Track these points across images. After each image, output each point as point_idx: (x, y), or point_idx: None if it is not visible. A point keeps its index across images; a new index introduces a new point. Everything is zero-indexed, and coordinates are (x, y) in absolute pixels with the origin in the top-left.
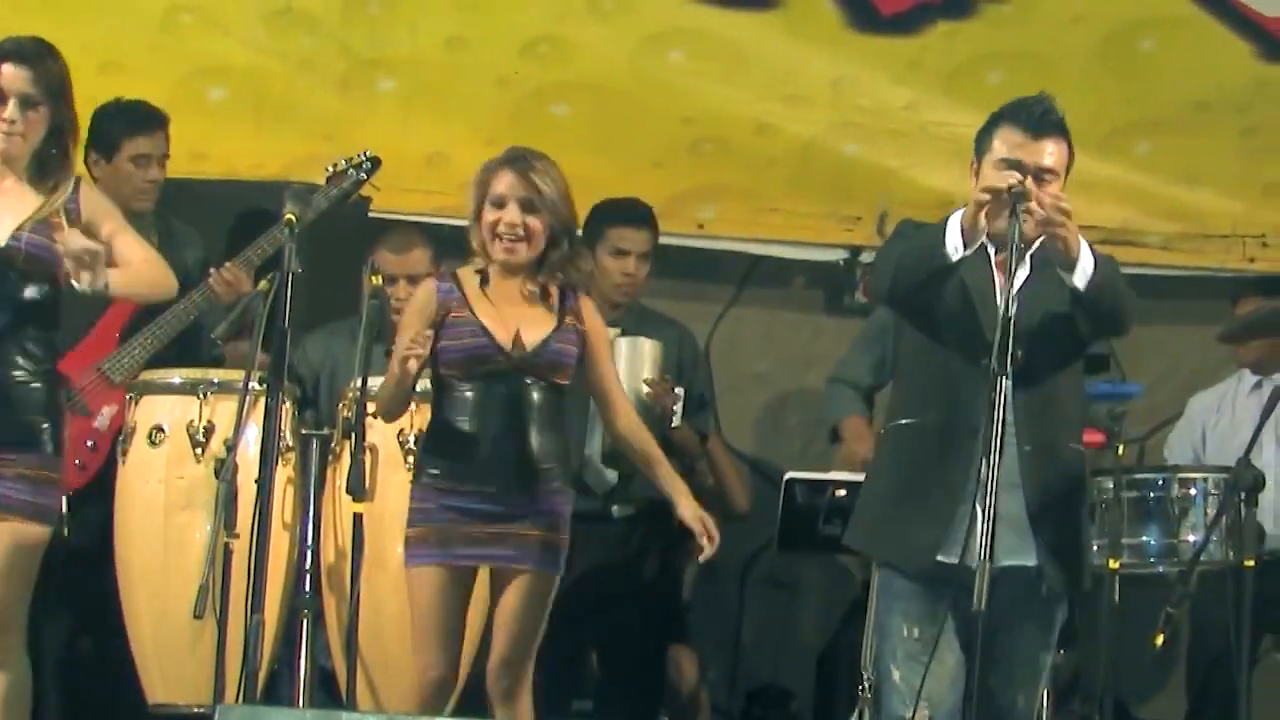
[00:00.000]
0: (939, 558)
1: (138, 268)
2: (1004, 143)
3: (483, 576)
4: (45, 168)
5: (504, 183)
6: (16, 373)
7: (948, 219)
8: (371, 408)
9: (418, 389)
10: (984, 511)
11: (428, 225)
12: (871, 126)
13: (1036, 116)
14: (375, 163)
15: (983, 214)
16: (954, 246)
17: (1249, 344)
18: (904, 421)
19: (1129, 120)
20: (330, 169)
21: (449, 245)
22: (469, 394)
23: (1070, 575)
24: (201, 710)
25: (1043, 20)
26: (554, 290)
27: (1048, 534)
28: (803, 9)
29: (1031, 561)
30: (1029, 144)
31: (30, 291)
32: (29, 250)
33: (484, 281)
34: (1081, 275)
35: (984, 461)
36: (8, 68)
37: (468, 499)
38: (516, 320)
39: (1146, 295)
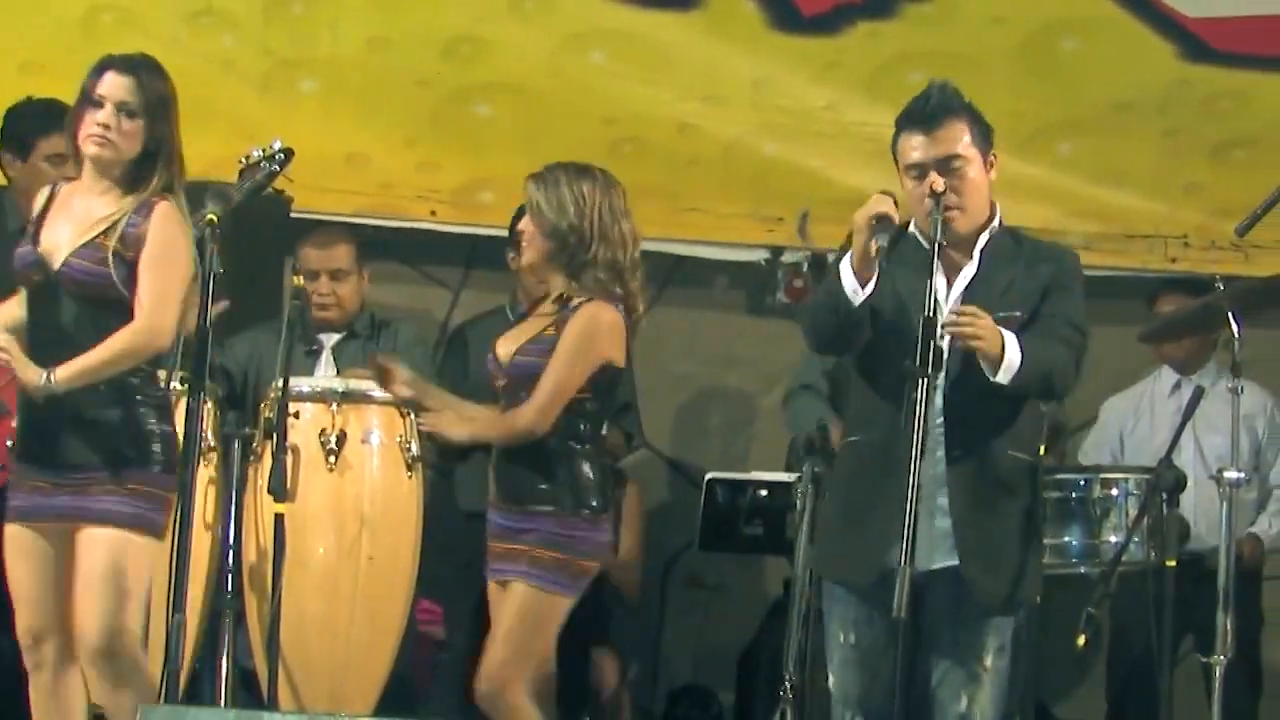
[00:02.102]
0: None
1: (114, 345)
2: (905, 148)
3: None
4: (133, 184)
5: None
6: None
7: (839, 265)
8: (293, 407)
9: (341, 390)
10: (906, 517)
11: (348, 225)
12: (793, 127)
13: (924, 112)
14: (288, 153)
15: (871, 246)
16: (852, 290)
17: (1176, 343)
18: (852, 439)
19: (1050, 120)
20: (243, 161)
21: (370, 245)
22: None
23: (997, 582)
24: None
25: (964, 21)
26: (556, 298)
27: (969, 540)
28: (724, 9)
29: (955, 562)
30: (925, 141)
31: (84, 312)
32: (75, 275)
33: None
34: (1006, 373)
35: (910, 465)
36: (110, 75)
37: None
38: (517, 335)
39: None
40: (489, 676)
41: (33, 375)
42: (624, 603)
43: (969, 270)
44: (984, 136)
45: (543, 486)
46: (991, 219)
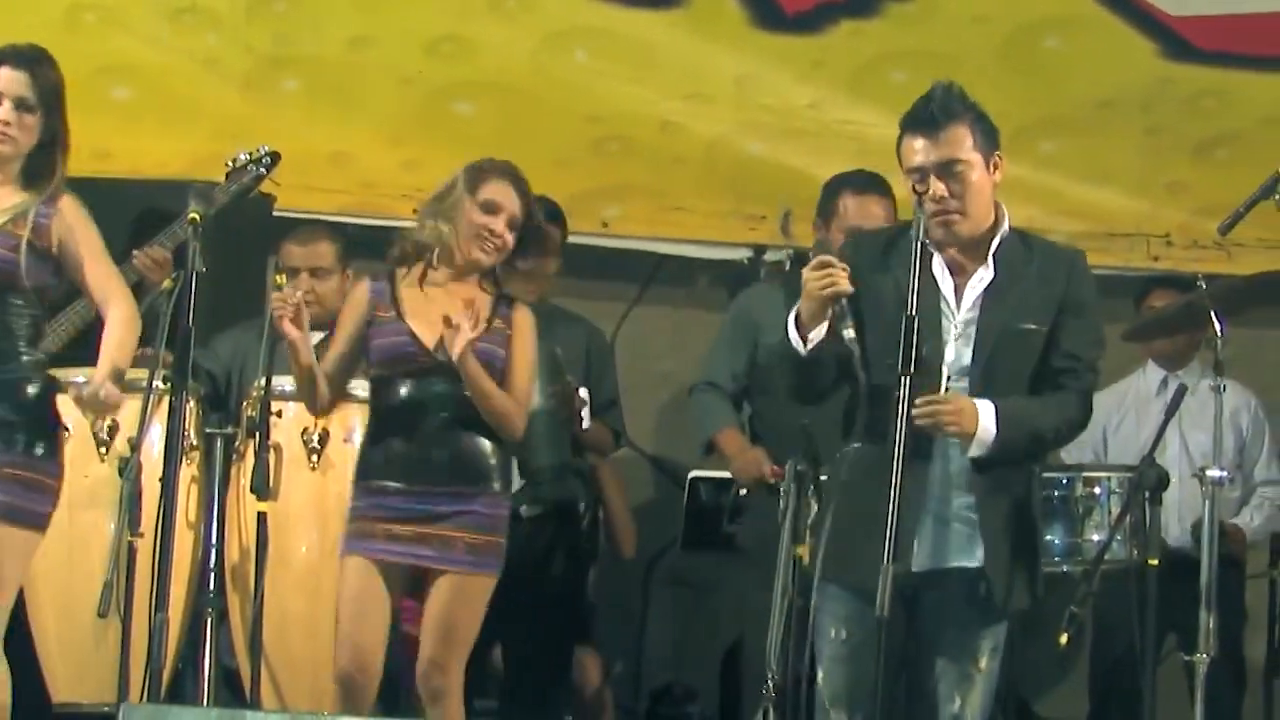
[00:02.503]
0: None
1: (119, 335)
2: (906, 151)
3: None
4: (32, 176)
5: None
6: None
7: (787, 319)
8: (276, 406)
9: (359, 395)
10: (890, 516)
11: (332, 225)
12: (776, 125)
13: (926, 115)
14: (275, 157)
15: (823, 308)
16: (797, 342)
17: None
18: (855, 445)
19: (1033, 119)
20: (230, 164)
21: (353, 244)
22: (402, 392)
23: (1017, 585)
24: (106, 709)
25: (946, 19)
26: (492, 293)
27: (995, 543)
28: (707, 8)
29: (976, 564)
30: (927, 144)
31: None
32: None
33: (424, 280)
34: (978, 447)
35: (893, 465)
36: (5, 70)
37: (398, 497)
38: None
39: None
40: (441, 667)
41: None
42: (622, 559)
43: (983, 274)
44: (988, 138)
45: (479, 469)
46: (1000, 222)
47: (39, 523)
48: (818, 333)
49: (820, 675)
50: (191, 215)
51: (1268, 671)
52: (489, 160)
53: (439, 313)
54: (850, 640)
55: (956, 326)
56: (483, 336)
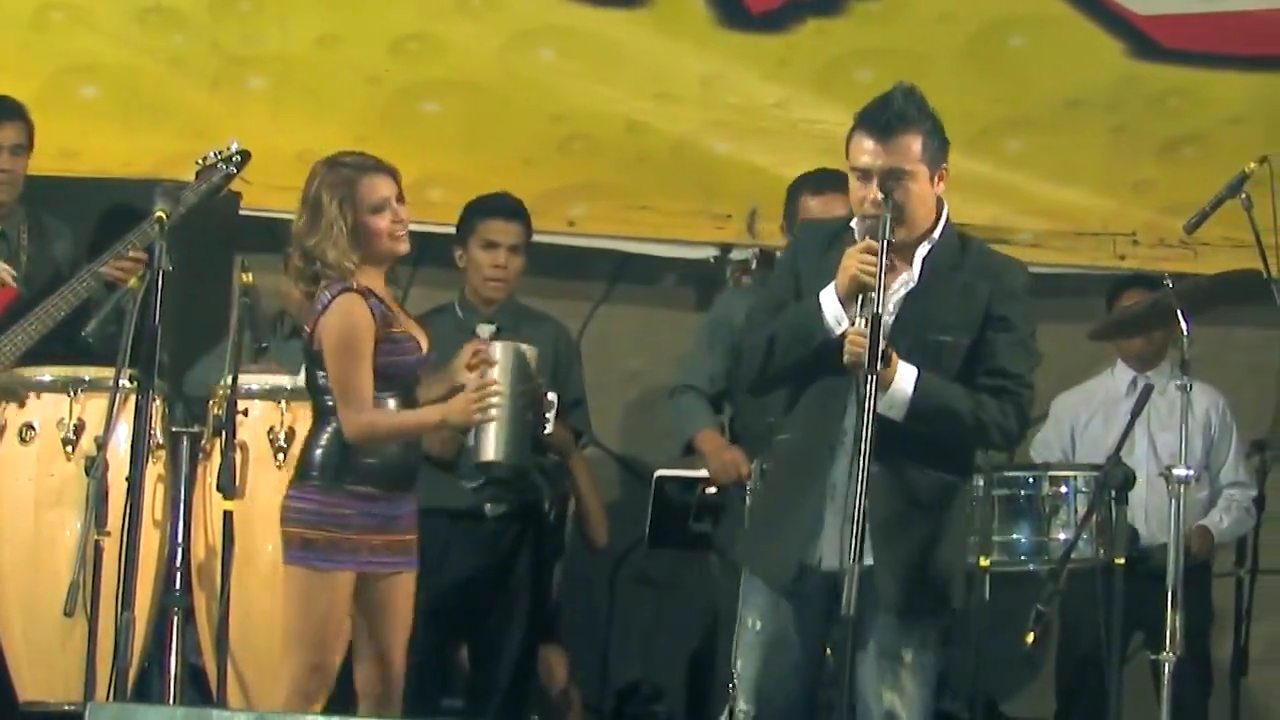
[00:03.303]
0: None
1: None
2: (856, 149)
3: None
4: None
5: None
6: None
7: (818, 298)
8: (242, 405)
9: (290, 387)
10: (855, 515)
11: None
12: (742, 124)
13: (884, 119)
14: (244, 156)
15: (857, 292)
16: (836, 319)
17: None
18: (781, 438)
19: (999, 118)
20: (199, 163)
21: None
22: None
23: (905, 591)
24: (72, 708)
25: (913, 18)
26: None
27: (881, 548)
28: (673, 7)
29: (869, 562)
30: (877, 148)
31: None
32: None
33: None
34: (894, 408)
35: (853, 464)
36: None
37: (379, 504)
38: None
39: None
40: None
41: None
42: (596, 547)
43: (907, 279)
44: (937, 150)
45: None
46: (933, 229)
47: None
48: (850, 314)
49: (737, 662)
50: (158, 214)
51: (1234, 671)
52: (345, 160)
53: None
54: (764, 631)
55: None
56: None
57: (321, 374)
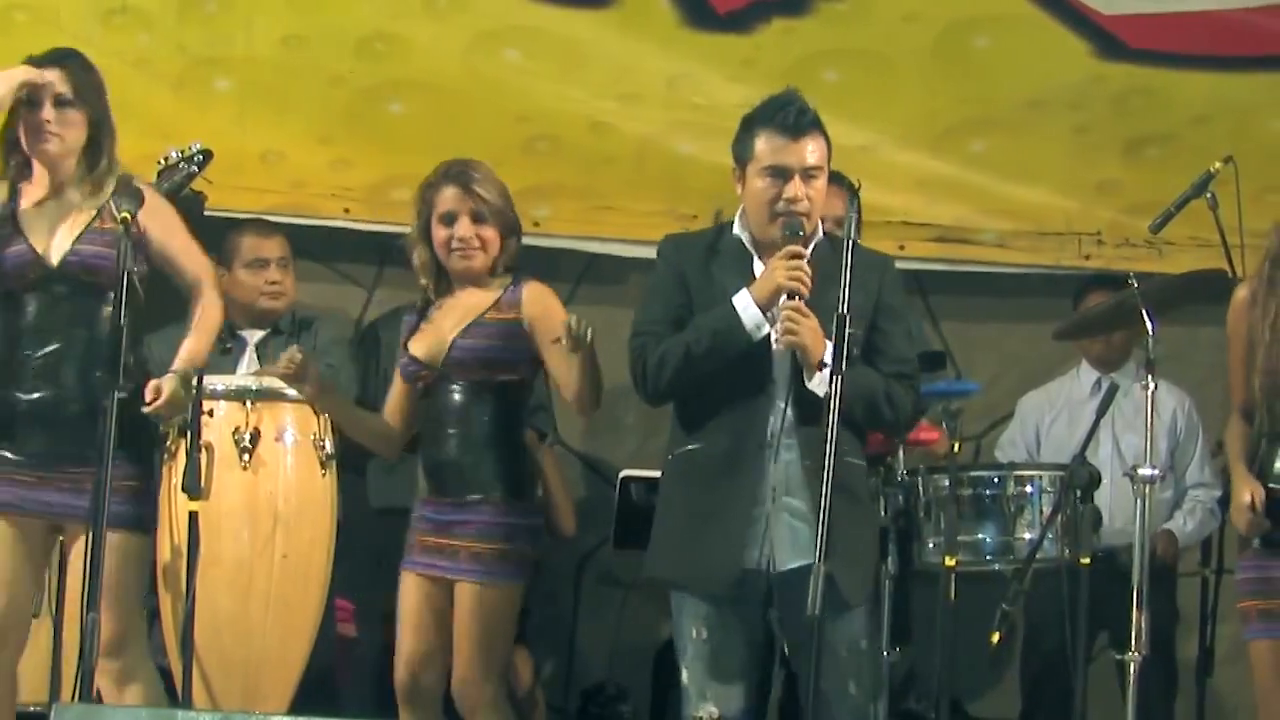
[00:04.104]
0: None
1: (208, 315)
2: (767, 148)
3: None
4: (91, 170)
5: (449, 199)
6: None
7: (731, 304)
8: (207, 406)
9: (256, 388)
10: (821, 513)
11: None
12: (707, 124)
13: (793, 117)
14: (207, 155)
15: (777, 298)
16: (756, 325)
17: (1097, 339)
18: (691, 448)
19: (964, 118)
20: (162, 162)
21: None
22: (425, 407)
23: (855, 578)
24: (37, 708)
25: (878, 18)
26: (502, 288)
27: (830, 534)
28: (638, 7)
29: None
30: (791, 145)
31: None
32: (86, 263)
33: (441, 294)
34: (821, 384)
35: (825, 463)
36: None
37: (428, 508)
38: (453, 328)
39: (981, 293)
40: (469, 680)
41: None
42: (561, 537)
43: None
44: (830, 154)
45: (483, 477)
46: (817, 229)
47: None
48: (768, 318)
49: (684, 675)
50: (122, 214)
51: (1199, 670)
52: (438, 170)
53: (447, 323)
54: (711, 639)
55: (778, 326)
56: (468, 333)
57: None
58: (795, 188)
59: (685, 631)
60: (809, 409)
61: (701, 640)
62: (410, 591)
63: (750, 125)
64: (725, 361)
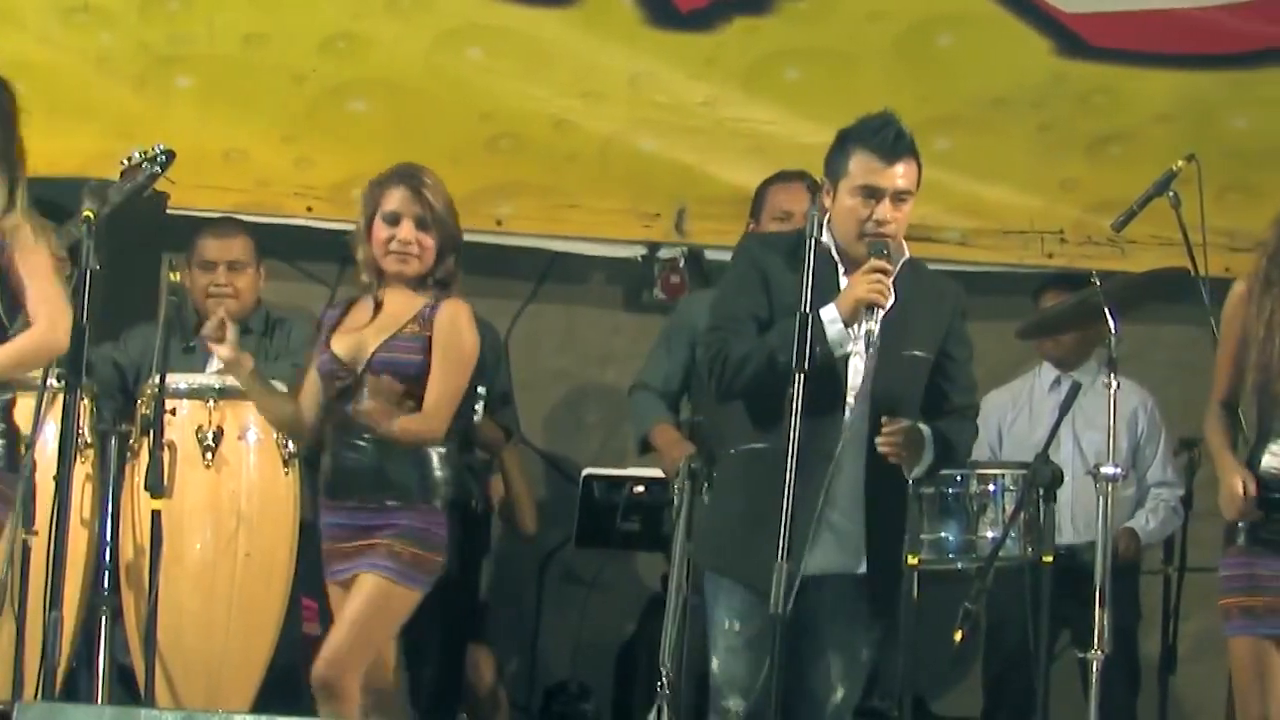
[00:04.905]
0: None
1: (26, 339)
2: (860, 168)
3: None
4: None
5: (396, 199)
6: None
7: (819, 316)
8: (170, 404)
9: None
10: (784, 514)
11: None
12: (670, 123)
13: (890, 140)
14: (169, 155)
15: (860, 312)
16: (840, 341)
17: (1053, 339)
18: (757, 446)
19: (927, 116)
20: (124, 163)
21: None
22: (334, 410)
23: (892, 590)
24: (0, 706)
25: (841, 17)
26: (425, 301)
27: (880, 551)
28: (601, 5)
29: (861, 570)
30: (885, 169)
31: None
32: None
33: (373, 299)
34: (921, 469)
35: (787, 463)
36: None
37: (334, 514)
38: (375, 335)
39: None
40: (331, 661)
41: None
42: (522, 536)
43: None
44: (920, 175)
45: (401, 482)
46: (902, 250)
47: None
48: (852, 333)
49: (715, 664)
50: (85, 213)
51: (1162, 669)
52: (390, 169)
53: (370, 327)
54: (744, 632)
55: (857, 341)
56: (389, 346)
57: None
58: (885, 210)
59: (719, 622)
60: (878, 429)
61: (735, 632)
62: (338, 603)
63: (845, 142)
64: (790, 373)
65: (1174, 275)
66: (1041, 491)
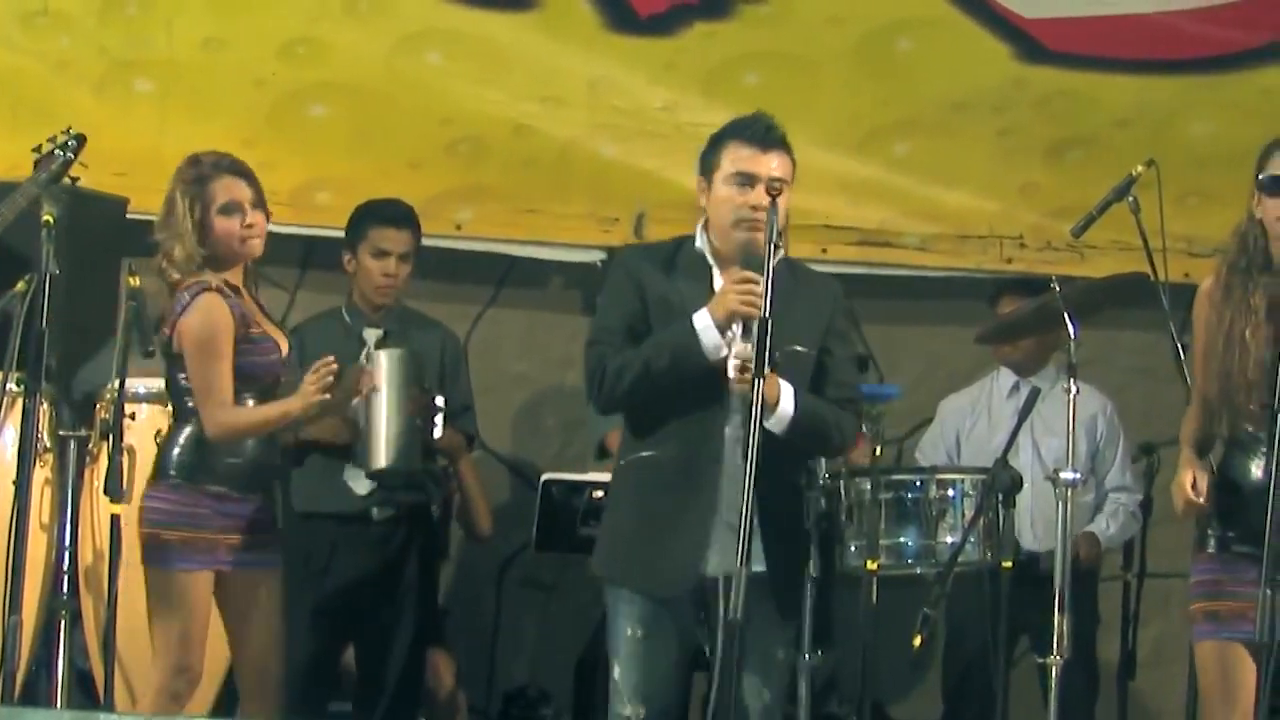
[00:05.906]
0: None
1: None
2: (733, 157)
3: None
4: None
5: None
6: None
7: (690, 322)
8: (129, 409)
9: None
10: (743, 518)
11: None
12: (629, 127)
13: (763, 132)
14: (80, 139)
15: (731, 320)
16: (715, 347)
17: (1011, 344)
18: (645, 454)
19: (886, 121)
20: (36, 152)
21: None
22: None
23: (795, 590)
24: None
25: (800, 21)
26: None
27: (776, 552)
28: (560, 10)
29: (761, 568)
30: (759, 156)
31: None
32: None
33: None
34: (778, 424)
35: (744, 476)
36: None
37: (236, 504)
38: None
39: (904, 296)
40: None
41: None
42: (478, 538)
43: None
44: (794, 173)
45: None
46: (778, 247)
47: None
48: (727, 339)
49: (616, 672)
50: (45, 217)
51: (1121, 674)
52: (204, 158)
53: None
54: (646, 639)
55: (736, 341)
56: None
57: (182, 375)
58: (759, 196)
59: (620, 630)
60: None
61: (637, 639)
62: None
63: (718, 139)
64: (683, 378)
65: (1133, 280)
66: (1001, 497)
